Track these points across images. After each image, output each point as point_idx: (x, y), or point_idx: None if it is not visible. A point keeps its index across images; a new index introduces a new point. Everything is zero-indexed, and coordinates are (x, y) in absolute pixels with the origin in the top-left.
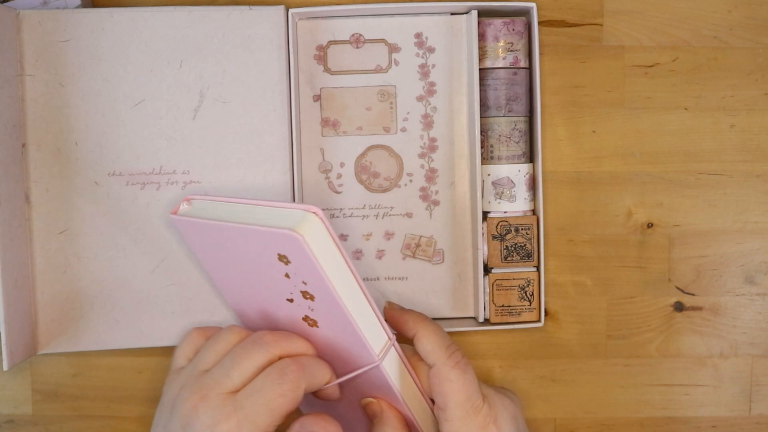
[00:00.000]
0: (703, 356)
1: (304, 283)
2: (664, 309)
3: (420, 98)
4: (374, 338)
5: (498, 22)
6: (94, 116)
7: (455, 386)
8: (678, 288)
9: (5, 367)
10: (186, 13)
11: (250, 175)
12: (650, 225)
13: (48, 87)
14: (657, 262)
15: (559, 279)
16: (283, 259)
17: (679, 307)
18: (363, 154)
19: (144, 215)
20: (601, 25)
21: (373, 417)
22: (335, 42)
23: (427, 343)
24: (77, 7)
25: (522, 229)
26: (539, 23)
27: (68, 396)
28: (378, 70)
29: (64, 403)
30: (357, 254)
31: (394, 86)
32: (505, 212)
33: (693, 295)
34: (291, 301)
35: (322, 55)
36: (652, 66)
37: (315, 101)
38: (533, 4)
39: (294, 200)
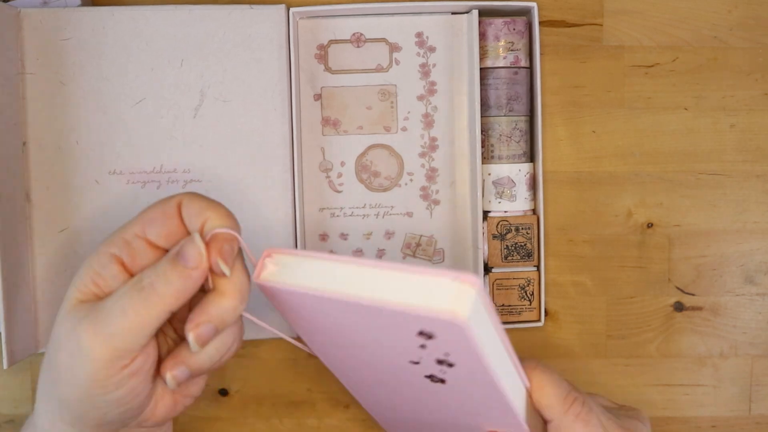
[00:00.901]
0: (703, 356)
1: (446, 354)
2: (664, 309)
3: (420, 97)
4: (519, 403)
5: (499, 21)
6: (95, 115)
7: None
8: (678, 288)
9: (5, 366)
10: (187, 12)
11: (251, 173)
12: (650, 225)
13: (49, 85)
14: (657, 262)
15: (559, 279)
16: (424, 335)
17: (679, 307)
18: (363, 154)
19: None
20: (601, 25)
21: None
22: (336, 41)
23: (543, 396)
24: (78, 5)
25: (522, 228)
26: (539, 23)
27: None
28: (379, 69)
29: None
30: (357, 253)
31: (395, 85)
32: (505, 212)
33: (693, 295)
34: (416, 363)
35: (322, 54)
36: (652, 66)
37: (316, 100)
38: (534, 4)
39: (294, 198)
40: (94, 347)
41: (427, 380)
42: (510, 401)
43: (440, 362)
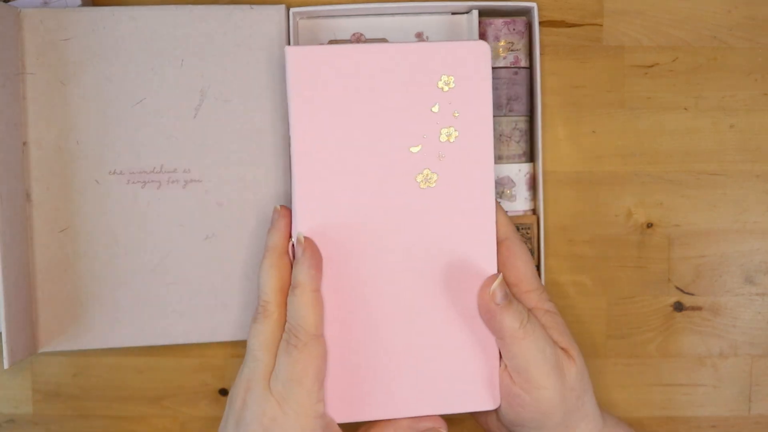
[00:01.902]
0: (702, 356)
1: (454, 115)
2: (663, 309)
3: None
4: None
5: (498, 21)
6: (95, 115)
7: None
8: (678, 288)
9: (6, 366)
10: (187, 12)
11: (251, 173)
12: (650, 225)
13: (49, 85)
14: (657, 262)
15: (559, 279)
16: (445, 83)
17: (678, 307)
18: None
19: (145, 214)
20: (601, 25)
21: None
22: (336, 41)
23: (512, 268)
24: (78, 5)
25: (522, 228)
26: (539, 23)
27: (69, 395)
28: None
29: (65, 403)
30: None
31: None
32: (505, 211)
33: (693, 295)
34: (416, 148)
35: None
36: (651, 66)
37: None
38: (534, 4)
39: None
40: None
41: (416, 186)
42: (492, 216)
43: (444, 136)
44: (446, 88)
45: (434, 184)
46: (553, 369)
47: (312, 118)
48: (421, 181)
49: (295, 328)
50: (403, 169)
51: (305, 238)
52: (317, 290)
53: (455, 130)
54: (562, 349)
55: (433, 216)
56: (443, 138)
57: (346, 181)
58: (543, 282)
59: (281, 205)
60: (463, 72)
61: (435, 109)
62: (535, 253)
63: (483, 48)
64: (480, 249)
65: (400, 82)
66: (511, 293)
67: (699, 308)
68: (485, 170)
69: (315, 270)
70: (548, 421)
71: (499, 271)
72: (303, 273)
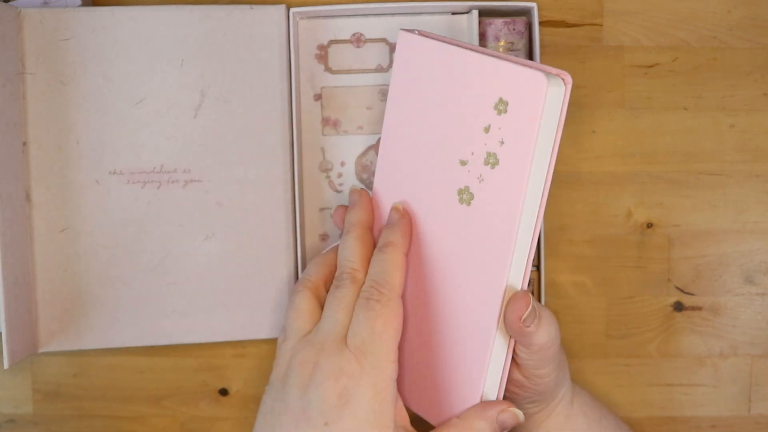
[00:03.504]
0: (702, 356)
1: (501, 142)
2: (663, 309)
3: None
4: (516, 273)
5: (499, 21)
6: (95, 115)
7: None
8: (678, 288)
9: (6, 366)
10: (187, 12)
11: (251, 173)
12: (650, 225)
13: (49, 85)
14: (657, 262)
15: (559, 279)
16: (501, 105)
17: (678, 307)
18: (364, 154)
19: (145, 214)
20: (601, 25)
21: None
22: (336, 41)
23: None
24: (78, 5)
25: None
26: (539, 23)
27: (69, 395)
28: (379, 69)
29: (65, 403)
30: None
31: None
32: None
33: (692, 295)
34: (464, 163)
35: (323, 54)
36: (651, 66)
37: (316, 100)
38: (534, 4)
39: (295, 198)
40: None
41: (456, 200)
42: (518, 224)
43: (487, 160)
44: (499, 113)
45: (470, 205)
46: (558, 362)
47: (401, 102)
48: (461, 196)
49: (380, 284)
50: (450, 178)
51: (404, 208)
52: (406, 254)
53: (497, 159)
54: None
55: (462, 235)
56: (486, 162)
57: (406, 169)
58: (543, 282)
59: (361, 188)
60: (518, 101)
61: (486, 130)
62: (535, 253)
63: (539, 80)
64: (486, 298)
65: (469, 91)
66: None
67: (699, 308)
68: (508, 220)
69: (407, 235)
70: (538, 396)
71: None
72: (396, 233)
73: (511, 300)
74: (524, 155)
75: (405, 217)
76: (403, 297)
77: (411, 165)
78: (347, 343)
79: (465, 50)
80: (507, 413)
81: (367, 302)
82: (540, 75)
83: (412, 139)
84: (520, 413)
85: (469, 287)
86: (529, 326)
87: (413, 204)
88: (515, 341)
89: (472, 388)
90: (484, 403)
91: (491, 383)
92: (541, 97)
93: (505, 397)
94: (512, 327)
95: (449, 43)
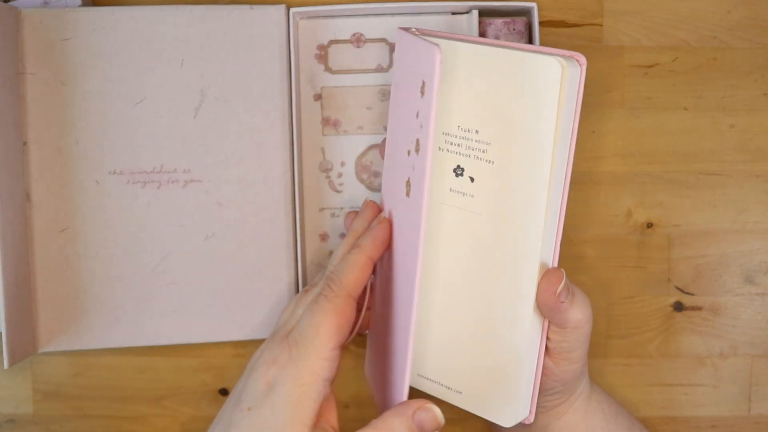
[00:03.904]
0: (702, 356)
1: (420, 126)
2: (663, 309)
3: None
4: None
5: (499, 21)
6: (95, 115)
7: None
8: (678, 288)
9: (5, 366)
10: (187, 12)
11: (251, 173)
12: (650, 225)
13: (49, 86)
14: (657, 262)
15: None
16: (422, 89)
17: (678, 307)
18: (364, 154)
19: (145, 214)
20: (601, 25)
21: None
22: (336, 41)
23: (580, 310)
24: (78, 5)
25: None
26: (539, 23)
27: (69, 395)
28: (379, 69)
29: (65, 403)
30: None
31: None
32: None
33: (692, 295)
34: (408, 154)
35: (322, 54)
36: (651, 66)
37: (316, 100)
38: (534, 4)
39: (295, 198)
40: None
41: (404, 191)
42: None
43: (416, 149)
44: (422, 95)
45: (409, 196)
46: (587, 347)
47: (396, 101)
48: (407, 188)
49: (332, 280)
50: (403, 172)
51: (385, 218)
52: (372, 260)
53: (419, 144)
54: None
55: (404, 227)
56: (416, 149)
57: (396, 171)
58: None
59: (370, 200)
60: (428, 84)
61: (417, 115)
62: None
63: (432, 56)
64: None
65: (411, 79)
66: (572, 288)
67: (699, 308)
68: (421, 214)
69: (379, 244)
70: (563, 387)
71: (557, 266)
72: (367, 239)
73: (544, 276)
74: (427, 136)
75: (382, 224)
76: (376, 289)
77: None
78: (288, 336)
79: (433, 39)
80: (423, 410)
81: (316, 297)
82: (431, 47)
83: (399, 138)
84: (438, 413)
85: (401, 286)
86: (563, 301)
87: (400, 206)
88: (549, 323)
89: (400, 386)
90: (404, 402)
91: (527, 370)
92: (435, 66)
93: None
94: (547, 304)
95: (438, 37)
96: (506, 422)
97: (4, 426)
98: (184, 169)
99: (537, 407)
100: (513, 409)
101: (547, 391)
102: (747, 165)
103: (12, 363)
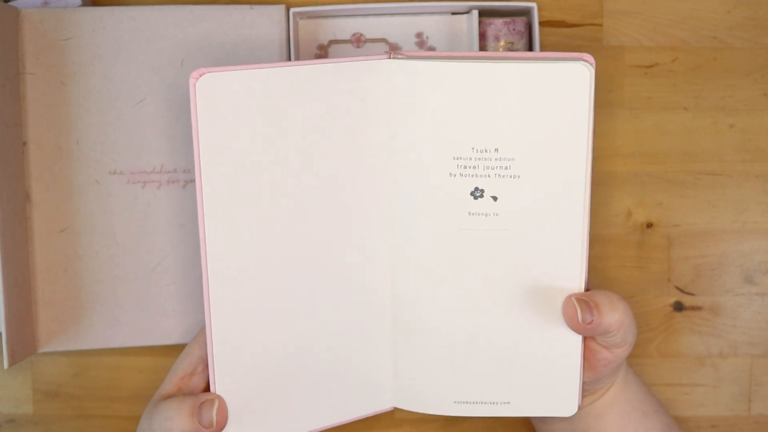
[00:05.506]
0: (702, 356)
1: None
2: (663, 309)
3: None
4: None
5: (498, 21)
6: (95, 115)
7: None
8: (677, 288)
9: (5, 366)
10: (187, 12)
11: None
12: (650, 225)
13: (49, 85)
14: (656, 261)
15: None
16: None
17: (678, 306)
18: None
19: (145, 214)
20: (601, 25)
21: None
22: (336, 41)
23: (615, 311)
24: (78, 5)
25: None
26: (539, 23)
27: (69, 395)
28: None
29: (65, 403)
30: None
31: None
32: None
33: (692, 294)
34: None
35: (323, 54)
36: (651, 66)
37: None
38: (534, 4)
39: None
40: None
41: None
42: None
43: None
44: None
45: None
46: (635, 329)
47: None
48: None
49: None
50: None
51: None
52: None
53: None
54: None
55: None
56: None
57: None
58: None
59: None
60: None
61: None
62: None
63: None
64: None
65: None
66: (592, 301)
67: (699, 308)
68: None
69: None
70: (618, 368)
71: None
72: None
73: (563, 310)
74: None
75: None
76: None
77: None
78: None
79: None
80: (206, 404)
81: None
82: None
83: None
84: (223, 405)
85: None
86: (590, 321)
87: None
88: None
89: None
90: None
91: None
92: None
93: (588, 380)
94: (579, 331)
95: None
96: (567, 412)
97: (4, 426)
98: (183, 169)
99: (590, 390)
100: (571, 397)
101: (604, 378)
102: (747, 165)
103: (12, 363)
